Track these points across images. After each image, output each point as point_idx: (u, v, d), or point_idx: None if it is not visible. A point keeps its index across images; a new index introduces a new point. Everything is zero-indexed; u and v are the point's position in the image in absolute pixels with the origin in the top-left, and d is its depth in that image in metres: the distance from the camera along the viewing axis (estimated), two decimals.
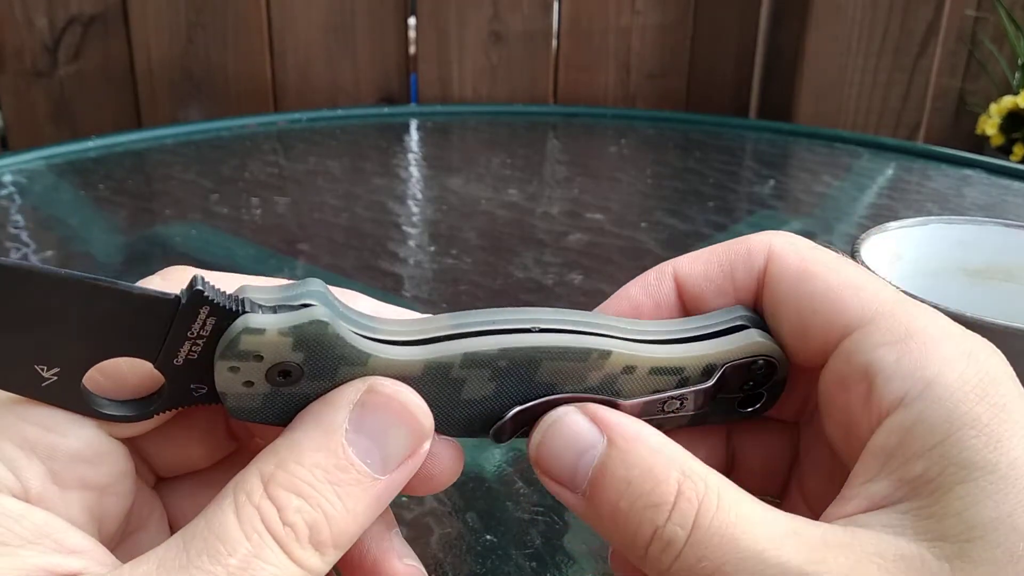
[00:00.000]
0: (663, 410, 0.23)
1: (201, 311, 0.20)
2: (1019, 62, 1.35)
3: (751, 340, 0.23)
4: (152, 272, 0.23)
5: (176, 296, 0.20)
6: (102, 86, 1.25)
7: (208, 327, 0.20)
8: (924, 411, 0.19)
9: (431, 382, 0.22)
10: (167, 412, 0.22)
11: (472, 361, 0.22)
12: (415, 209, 0.84)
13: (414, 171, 0.96)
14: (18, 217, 0.77)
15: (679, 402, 0.23)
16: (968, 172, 0.92)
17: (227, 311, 0.20)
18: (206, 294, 0.20)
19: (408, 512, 0.41)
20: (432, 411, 0.22)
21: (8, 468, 0.20)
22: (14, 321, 0.20)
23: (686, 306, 0.25)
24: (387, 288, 0.65)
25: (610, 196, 0.88)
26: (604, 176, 0.95)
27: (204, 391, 0.21)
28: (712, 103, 1.35)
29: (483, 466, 0.44)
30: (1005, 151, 1.34)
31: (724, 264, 0.24)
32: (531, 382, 0.22)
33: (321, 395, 0.21)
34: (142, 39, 1.24)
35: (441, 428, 0.23)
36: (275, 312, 0.21)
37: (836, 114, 1.29)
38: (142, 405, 0.22)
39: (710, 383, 0.23)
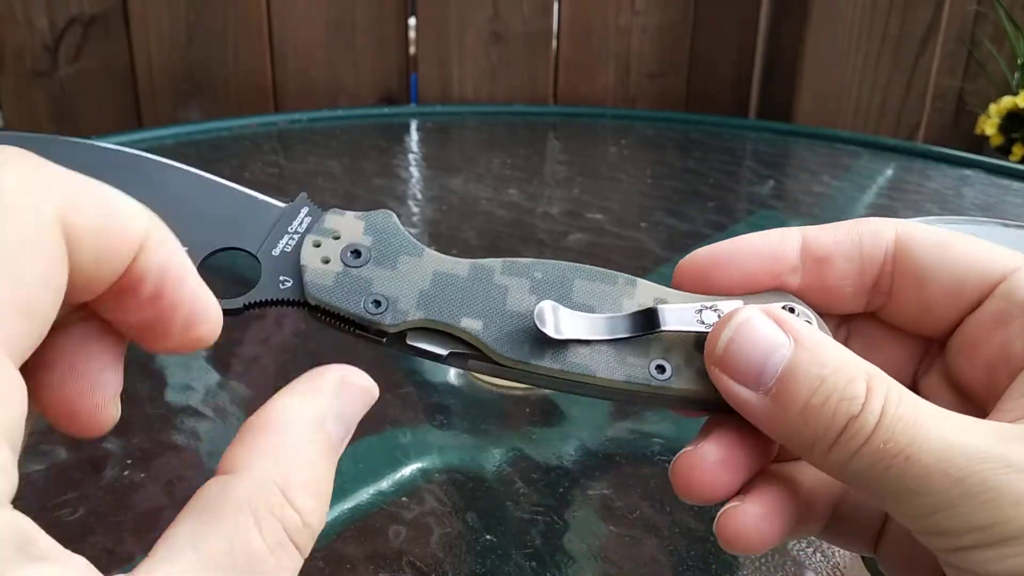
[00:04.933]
0: (702, 320, 0.24)
1: (302, 211, 0.26)
2: (1019, 62, 1.35)
3: (774, 293, 0.25)
4: None
5: (287, 205, 0.26)
6: (102, 86, 1.25)
7: (304, 224, 0.26)
8: None
9: (476, 284, 0.25)
10: (254, 308, 0.25)
11: (511, 269, 0.25)
12: (415, 209, 0.84)
13: (414, 171, 0.96)
14: None
15: (716, 315, 0.24)
16: (967, 172, 0.92)
17: (321, 210, 0.26)
18: (309, 199, 0.26)
19: (408, 512, 0.41)
20: (482, 320, 0.24)
21: None
22: (161, 203, 0.24)
23: (809, 268, 0.25)
24: None
25: (610, 196, 0.88)
26: (604, 176, 0.95)
27: (289, 284, 0.25)
28: (712, 103, 1.35)
29: (483, 466, 0.44)
30: (1004, 151, 1.34)
31: (852, 233, 0.25)
32: (570, 300, 0.25)
33: (384, 282, 0.25)
34: (142, 39, 1.24)
35: (497, 345, 0.24)
36: None
37: (836, 114, 1.29)
38: (233, 302, 0.25)
39: (742, 300, 0.25)
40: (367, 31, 1.27)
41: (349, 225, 0.26)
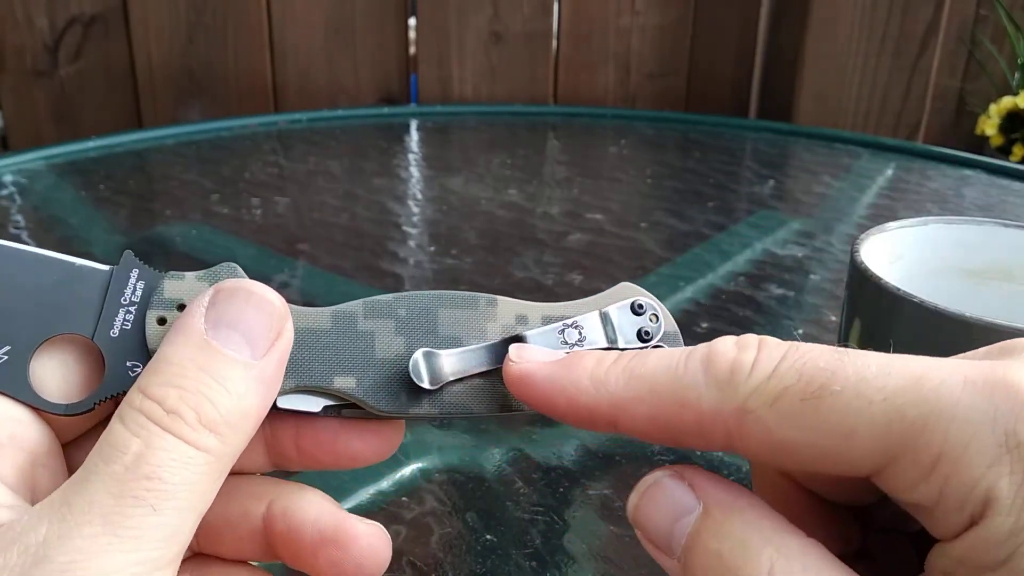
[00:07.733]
0: (565, 340, 0.24)
1: (132, 275, 0.23)
2: (1019, 62, 1.35)
3: (623, 287, 0.26)
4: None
5: (111, 267, 0.23)
6: (102, 86, 1.25)
7: (138, 292, 0.23)
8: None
9: (342, 335, 0.24)
10: (106, 402, 0.23)
11: (373, 311, 0.24)
12: (415, 209, 0.84)
13: (414, 171, 0.96)
14: (18, 217, 0.77)
15: (577, 332, 0.25)
16: (968, 172, 0.92)
17: (155, 273, 0.23)
18: (137, 259, 0.23)
19: (408, 512, 0.41)
20: (354, 376, 0.24)
21: None
22: None
23: None
24: (387, 288, 0.65)
25: (610, 196, 0.88)
26: (604, 176, 0.95)
27: (140, 370, 0.23)
28: (712, 103, 1.35)
29: (483, 466, 0.44)
30: (1005, 151, 1.34)
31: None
32: (436, 334, 0.25)
33: None
34: (142, 39, 1.24)
35: (374, 400, 0.24)
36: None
37: (836, 114, 1.29)
38: (82, 404, 0.23)
39: (597, 312, 0.25)
40: (367, 31, 1.27)
41: (193, 290, 0.23)
